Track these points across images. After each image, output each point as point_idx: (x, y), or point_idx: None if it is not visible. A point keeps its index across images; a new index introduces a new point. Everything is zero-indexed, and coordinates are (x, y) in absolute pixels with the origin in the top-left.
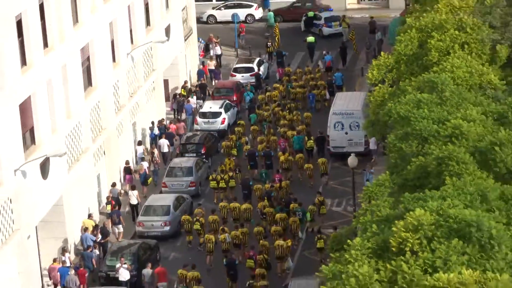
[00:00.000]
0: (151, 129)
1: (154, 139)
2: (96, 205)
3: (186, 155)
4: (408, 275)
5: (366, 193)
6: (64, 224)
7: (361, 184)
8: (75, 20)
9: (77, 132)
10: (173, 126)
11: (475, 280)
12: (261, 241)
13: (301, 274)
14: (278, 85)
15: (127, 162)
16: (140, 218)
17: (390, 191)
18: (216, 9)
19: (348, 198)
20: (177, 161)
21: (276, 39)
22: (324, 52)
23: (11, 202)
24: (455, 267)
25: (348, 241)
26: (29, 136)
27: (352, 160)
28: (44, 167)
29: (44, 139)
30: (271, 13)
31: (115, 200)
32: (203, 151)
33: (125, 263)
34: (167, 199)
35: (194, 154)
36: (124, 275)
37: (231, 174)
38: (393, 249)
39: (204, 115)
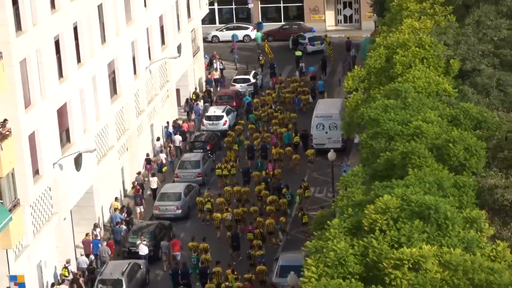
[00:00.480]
0: (166, 127)
1: (169, 136)
2: (121, 192)
3: (195, 151)
4: (378, 250)
5: (343, 182)
6: (94, 208)
7: (339, 174)
8: (103, 40)
9: (104, 132)
10: (185, 125)
11: (433, 254)
12: (257, 218)
13: (290, 249)
14: (270, 91)
15: (147, 154)
16: (156, 203)
17: (363, 180)
18: (219, 31)
19: (328, 186)
20: (187, 156)
21: (268, 54)
22: (301, 65)
23: (50, 190)
24: (417, 243)
25: (328, 221)
26: (65, 135)
27: (331, 155)
28: (78, 161)
29: (77, 138)
30: (258, 34)
31: (140, 185)
32: (208, 148)
33: (144, 240)
34: (179, 187)
35: (201, 150)
36: (143, 250)
37: (232, 164)
38: (365, 228)
39: (209, 118)
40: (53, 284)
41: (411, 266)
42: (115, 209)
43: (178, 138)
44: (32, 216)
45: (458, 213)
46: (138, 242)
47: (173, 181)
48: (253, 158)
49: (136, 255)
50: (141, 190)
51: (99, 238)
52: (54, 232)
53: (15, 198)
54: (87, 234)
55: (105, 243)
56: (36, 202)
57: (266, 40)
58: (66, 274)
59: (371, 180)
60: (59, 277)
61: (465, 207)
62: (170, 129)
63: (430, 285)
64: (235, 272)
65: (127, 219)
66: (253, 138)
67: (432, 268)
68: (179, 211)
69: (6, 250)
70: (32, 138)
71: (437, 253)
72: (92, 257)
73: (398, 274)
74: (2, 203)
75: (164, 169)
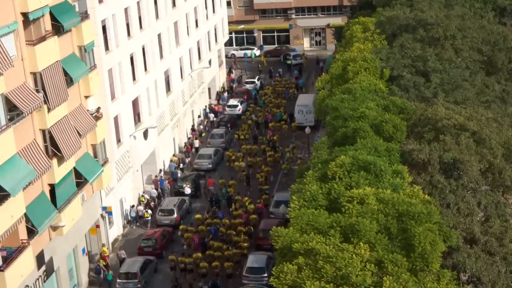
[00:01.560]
0: (205, 109)
1: (206, 115)
2: (175, 152)
3: (220, 127)
4: (337, 190)
5: (315, 147)
6: (155, 164)
7: (312, 142)
8: (161, 56)
9: (162, 115)
10: (216, 107)
11: (373, 193)
12: (262, 166)
13: (281, 190)
14: (269, 86)
15: (192, 126)
16: (196, 160)
17: (327, 146)
18: (235, 50)
19: (305, 149)
20: (215, 131)
21: (264, 64)
22: (279, 70)
23: (127, 152)
24: (362, 186)
25: (305, 172)
26: (137, 117)
27: (307, 130)
28: (145, 134)
29: (145, 119)
30: (253, 51)
31: (190, 145)
32: (229, 125)
33: (188, 185)
34: (210, 150)
35: (224, 127)
36: (187, 191)
37: (246, 131)
38: (329, 176)
39: (229, 106)
40: (132, 206)
41: (358, 201)
42: (171, 161)
43: (211, 115)
44: (116, 168)
45: (388, 167)
46: (184, 185)
47: (206, 146)
48: (259, 128)
49: (182, 194)
50: (190, 148)
51: (163, 178)
52: (130, 179)
53: (105, 157)
54: (156, 176)
55: (166, 181)
56: (118, 160)
57: (263, 56)
58: (143, 199)
59: (332, 146)
60: (137, 202)
61: (393, 163)
62: (207, 109)
63: (370, 213)
64: (249, 199)
65: (182, 166)
66: (258, 116)
67: (372, 202)
68: (210, 166)
69: (100, 190)
70: (116, 119)
71: (375, 193)
72: (159, 190)
73: (350, 206)
74: (97, 160)
75: (203, 134)
